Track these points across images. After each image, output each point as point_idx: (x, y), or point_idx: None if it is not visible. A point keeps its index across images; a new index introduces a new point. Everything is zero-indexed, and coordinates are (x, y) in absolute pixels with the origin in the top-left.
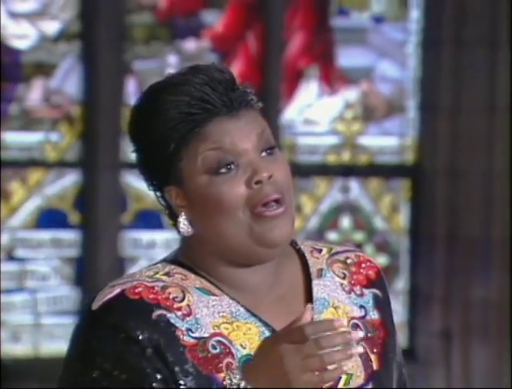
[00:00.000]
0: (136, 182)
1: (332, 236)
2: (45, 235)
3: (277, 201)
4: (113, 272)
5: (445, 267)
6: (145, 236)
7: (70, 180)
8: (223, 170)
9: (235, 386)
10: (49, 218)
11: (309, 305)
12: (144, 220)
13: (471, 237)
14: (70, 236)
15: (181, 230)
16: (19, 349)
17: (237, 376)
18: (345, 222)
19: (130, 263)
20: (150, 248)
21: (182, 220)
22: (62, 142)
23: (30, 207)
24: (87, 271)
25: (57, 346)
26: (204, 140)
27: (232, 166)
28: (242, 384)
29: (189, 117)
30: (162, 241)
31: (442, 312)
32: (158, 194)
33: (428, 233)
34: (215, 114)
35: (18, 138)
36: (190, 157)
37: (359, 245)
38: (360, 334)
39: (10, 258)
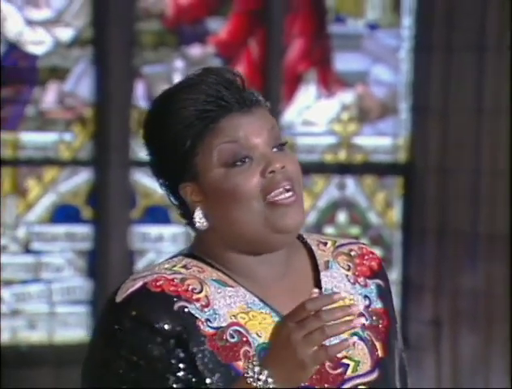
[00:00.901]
0: (145, 180)
1: (329, 230)
2: (60, 229)
3: (288, 190)
4: (123, 264)
5: (435, 258)
6: (153, 230)
7: (83, 177)
8: (238, 163)
9: (253, 374)
10: (63, 213)
11: (315, 290)
12: (152, 215)
13: (460, 230)
14: (82, 230)
15: (196, 224)
16: (35, 336)
17: (255, 363)
18: (341, 217)
19: (139, 256)
20: (158, 242)
21: (198, 215)
22: (75, 141)
23: (45, 203)
24: (98, 263)
25: (71, 333)
26: (219, 135)
27: (247, 159)
28: (257, 369)
29: (205, 114)
30: (169, 235)
31: (433, 301)
32: (170, 194)
33: (419, 227)
34: (229, 110)
35: (33, 138)
36: (205, 152)
37: (355, 238)
38: (361, 307)
39: (27, 250)
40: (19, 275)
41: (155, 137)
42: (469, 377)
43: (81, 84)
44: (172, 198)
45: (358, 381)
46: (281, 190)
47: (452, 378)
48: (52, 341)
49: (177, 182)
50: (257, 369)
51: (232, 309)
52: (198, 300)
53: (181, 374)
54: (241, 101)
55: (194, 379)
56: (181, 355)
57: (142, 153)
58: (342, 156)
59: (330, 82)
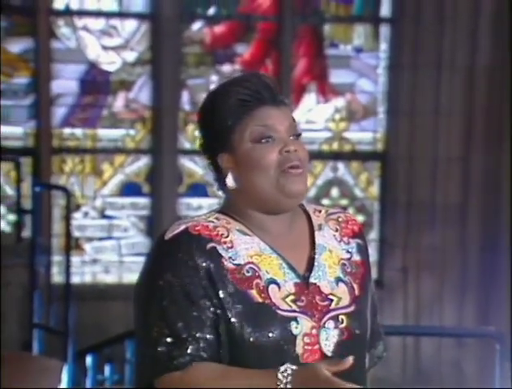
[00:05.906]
0: (189, 163)
1: (325, 202)
2: (126, 200)
3: (297, 166)
4: None
5: (404, 223)
6: (195, 201)
7: (144, 162)
8: (263, 141)
9: (282, 379)
10: (129, 188)
11: (350, 358)
12: (195, 190)
13: (422, 202)
14: (143, 201)
15: (227, 185)
16: (109, 279)
17: (289, 380)
18: (334, 192)
19: None
20: (198, 210)
21: (229, 177)
22: (138, 135)
23: (116, 181)
24: (155, 226)
25: (135, 277)
26: (253, 119)
27: (270, 139)
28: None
29: (244, 103)
30: (207, 205)
31: (402, 254)
32: (211, 164)
33: (392, 200)
34: (263, 103)
35: (107, 133)
36: (241, 131)
37: (344, 208)
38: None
39: (103, 216)
40: (97, 233)
41: (206, 117)
42: (428, 310)
43: (142, 93)
44: (212, 167)
45: (339, 312)
46: (292, 163)
47: (415, 311)
48: (121, 282)
49: (217, 153)
50: (289, 379)
51: (249, 251)
52: (225, 243)
53: (205, 293)
54: (273, 98)
55: (214, 300)
56: (206, 283)
57: (187, 144)
58: (335, 146)
59: (326, 91)
